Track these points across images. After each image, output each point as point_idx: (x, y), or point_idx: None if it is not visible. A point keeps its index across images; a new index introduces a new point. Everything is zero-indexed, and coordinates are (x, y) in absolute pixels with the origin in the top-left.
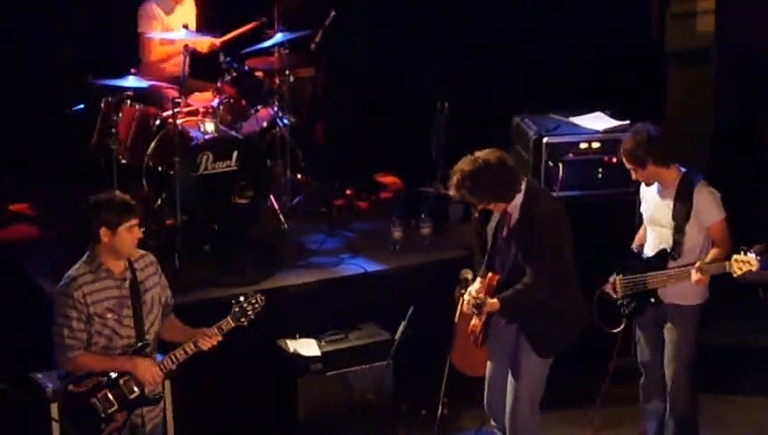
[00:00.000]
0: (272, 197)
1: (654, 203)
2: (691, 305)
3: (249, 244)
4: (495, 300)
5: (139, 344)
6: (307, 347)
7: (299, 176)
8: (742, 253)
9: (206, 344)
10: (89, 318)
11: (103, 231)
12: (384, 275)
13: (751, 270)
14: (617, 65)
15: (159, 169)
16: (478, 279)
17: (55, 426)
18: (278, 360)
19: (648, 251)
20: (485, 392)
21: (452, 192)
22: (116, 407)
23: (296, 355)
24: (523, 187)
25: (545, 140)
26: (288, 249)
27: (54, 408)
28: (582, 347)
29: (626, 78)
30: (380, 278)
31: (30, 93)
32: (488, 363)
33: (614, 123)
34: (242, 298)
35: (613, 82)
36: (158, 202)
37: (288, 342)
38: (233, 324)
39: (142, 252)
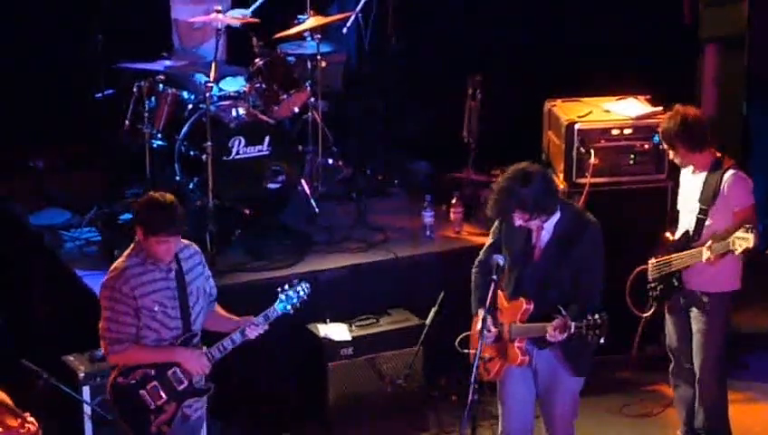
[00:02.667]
0: (303, 181)
1: (685, 186)
2: (720, 293)
3: (280, 228)
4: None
5: (186, 335)
6: (338, 332)
7: (330, 161)
8: (743, 230)
9: (253, 333)
10: (136, 311)
11: (138, 229)
12: (415, 261)
13: (749, 248)
14: (651, 51)
15: (192, 153)
16: (503, 297)
17: (87, 408)
18: (309, 344)
19: (678, 235)
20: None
21: (491, 211)
22: (165, 399)
23: (327, 340)
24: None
25: (577, 126)
26: (319, 234)
27: (86, 390)
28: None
29: (659, 64)
30: (411, 264)
31: (61, 78)
32: (507, 408)
33: (647, 109)
34: (287, 286)
35: (647, 68)
36: (191, 186)
37: (319, 326)
38: (279, 313)
39: (186, 242)
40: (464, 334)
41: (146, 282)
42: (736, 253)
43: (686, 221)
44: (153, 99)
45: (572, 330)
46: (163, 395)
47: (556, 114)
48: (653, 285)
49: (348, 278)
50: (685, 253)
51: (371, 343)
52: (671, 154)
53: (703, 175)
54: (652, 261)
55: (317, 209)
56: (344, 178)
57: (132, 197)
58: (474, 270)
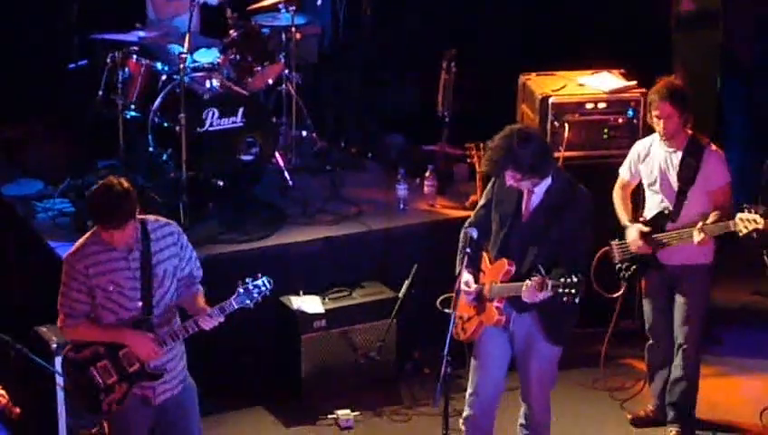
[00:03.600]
0: (277, 154)
1: (658, 164)
2: (702, 265)
3: (254, 201)
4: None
5: (142, 318)
6: (311, 304)
7: (304, 133)
8: (746, 211)
9: (206, 324)
10: (90, 290)
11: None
12: (389, 234)
13: (758, 228)
14: (625, 25)
15: (165, 124)
16: (487, 258)
17: (59, 379)
18: (282, 317)
19: (648, 214)
20: (474, 406)
21: (486, 167)
22: (115, 378)
23: (300, 312)
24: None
25: (551, 99)
26: (293, 207)
27: (58, 361)
28: (586, 311)
29: (634, 38)
30: (385, 236)
31: (34, 49)
32: (480, 367)
33: (621, 84)
34: (248, 280)
35: (620, 43)
36: (164, 158)
37: (292, 299)
38: (235, 307)
39: (163, 221)
40: (445, 295)
41: (102, 261)
42: (741, 234)
43: (658, 200)
44: (127, 70)
45: (549, 289)
46: (113, 374)
47: (530, 88)
48: (623, 265)
49: (321, 251)
50: (668, 234)
51: (345, 316)
52: (664, 123)
53: (678, 154)
54: (615, 242)
55: (291, 182)
56: (318, 150)
57: (105, 168)
58: (462, 230)
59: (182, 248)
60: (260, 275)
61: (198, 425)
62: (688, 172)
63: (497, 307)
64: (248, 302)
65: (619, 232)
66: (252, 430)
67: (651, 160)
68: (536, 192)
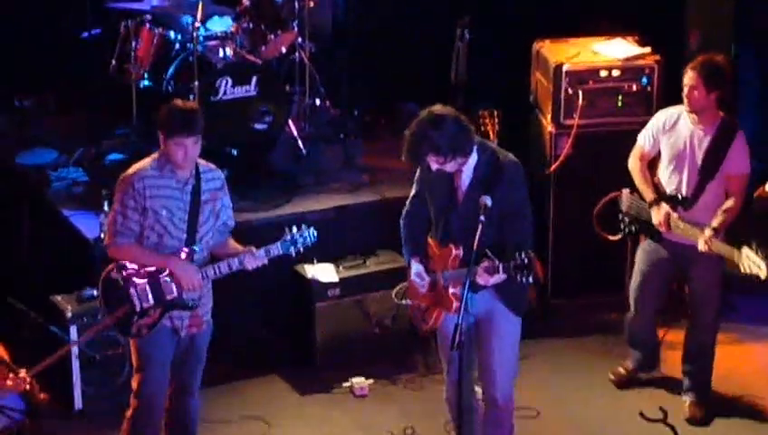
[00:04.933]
0: (290, 122)
1: (684, 140)
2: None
3: (267, 169)
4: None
5: (188, 249)
6: (325, 273)
7: (318, 102)
8: (754, 250)
9: (251, 264)
10: (144, 211)
11: (160, 134)
12: (402, 202)
13: (759, 276)
14: None
15: (179, 93)
16: (434, 245)
17: (74, 348)
18: (296, 285)
19: (665, 189)
20: (449, 389)
21: (404, 156)
22: (152, 303)
23: (314, 281)
24: (476, 145)
25: (565, 67)
26: (306, 175)
27: (74, 330)
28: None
29: (646, 6)
30: (399, 205)
31: (47, 18)
32: (446, 362)
33: (635, 51)
34: (295, 228)
35: (634, 9)
36: None
37: (306, 267)
38: (281, 252)
39: (213, 167)
40: (400, 285)
41: (160, 186)
42: (742, 270)
43: (674, 178)
44: (140, 39)
45: (501, 271)
46: (150, 299)
47: (544, 55)
48: (626, 218)
49: (335, 220)
50: (677, 223)
51: (359, 284)
52: (693, 93)
53: (708, 137)
54: (627, 192)
55: (304, 150)
56: (332, 119)
57: (119, 137)
58: (401, 222)
59: (225, 195)
60: (306, 226)
61: (204, 358)
62: (715, 158)
63: (453, 294)
64: (292, 249)
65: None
66: (266, 399)
67: (676, 133)
68: (464, 171)
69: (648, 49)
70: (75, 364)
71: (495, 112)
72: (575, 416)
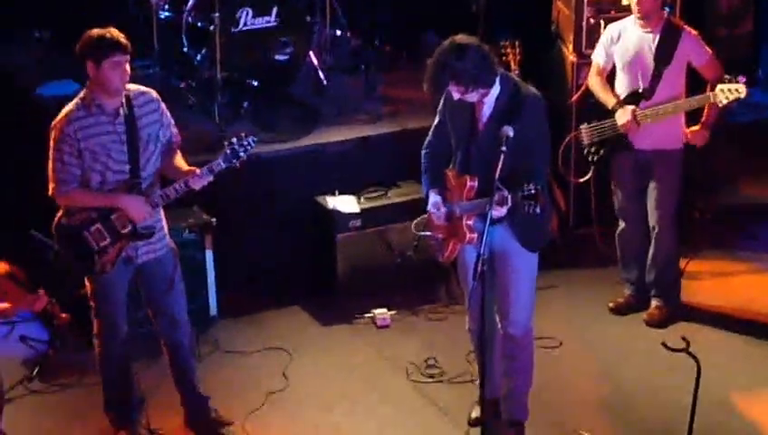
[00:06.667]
0: (311, 53)
1: (633, 45)
2: (674, 150)
3: (288, 100)
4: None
5: (133, 182)
6: (346, 204)
7: (339, 32)
8: (727, 81)
9: (196, 184)
10: (80, 153)
11: (89, 65)
12: (423, 133)
13: (739, 98)
14: None
15: (199, 24)
16: (451, 176)
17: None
18: (318, 216)
19: (622, 94)
20: (471, 319)
21: (426, 85)
22: (108, 241)
23: (336, 212)
24: (499, 77)
25: None
26: (327, 106)
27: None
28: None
29: None
30: (420, 135)
31: None
32: (465, 292)
33: None
34: (234, 139)
35: None
36: (198, 58)
37: (327, 198)
38: (223, 166)
39: (143, 89)
40: (421, 217)
41: (90, 125)
42: (721, 104)
43: (630, 80)
44: None
45: (509, 202)
46: (107, 237)
47: None
48: (591, 149)
49: (356, 150)
50: (645, 111)
51: (380, 215)
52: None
53: (654, 36)
54: (584, 126)
55: (325, 81)
56: (353, 49)
57: (140, 67)
58: (423, 151)
59: (162, 114)
60: (244, 133)
61: (180, 285)
62: (664, 53)
63: (467, 225)
64: (234, 161)
65: (596, 115)
66: (288, 329)
67: (625, 42)
68: (486, 102)
69: None
70: None
71: (517, 43)
72: (597, 346)
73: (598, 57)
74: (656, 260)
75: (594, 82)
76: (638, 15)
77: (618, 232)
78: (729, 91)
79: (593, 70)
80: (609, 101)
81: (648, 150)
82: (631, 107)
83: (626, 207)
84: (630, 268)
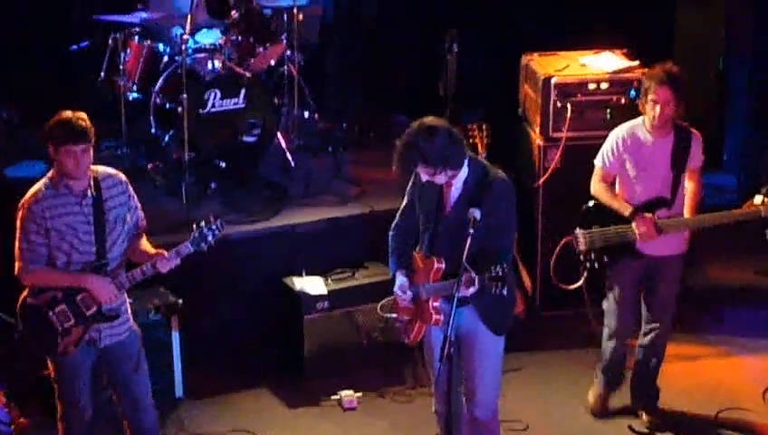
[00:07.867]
0: (279, 134)
1: (648, 151)
2: (680, 254)
3: (256, 181)
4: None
5: (99, 263)
6: (314, 285)
7: (307, 114)
8: (764, 193)
9: (164, 267)
10: (47, 232)
11: (50, 148)
12: (392, 214)
13: None
14: (627, 4)
15: (167, 105)
16: (418, 259)
17: None
18: (285, 298)
19: (637, 201)
20: (437, 401)
21: (395, 166)
22: (72, 322)
23: (303, 293)
24: (467, 159)
25: (554, 80)
26: (295, 187)
27: None
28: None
29: (636, 18)
30: (388, 217)
31: (35, 30)
32: (431, 374)
33: (623, 64)
34: (202, 223)
35: (623, 23)
36: (166, 139)
37: (295, 280)
38: (192, 249)
39: (111, 171)
40: (387, 299)
41: (57, 205)
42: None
43: (645, 187)
44: (128, 51)
45: (476, 284)
46: (71, 318)
47: (533, 68)
48: (591, 255)
49: (324, 231)
50: (667, 221)
51: (347, 297)
52: (664, 108)
53: (667, 140)
54: (581, 231)
55: (293, 162)
56: (321, 130)
57: (107, 149)
58: (390, 233)
59: (130, 198)
60: (212, 217)
61: (144, 368)
62: (680, 158)
63: (434, 307)
64: (203, 245)
65: (583, 222)
66: (255, 411)
67: (640, 148)
68: (455, 184)
69: (636, 62)
70: None
71: (484, 126)
72: (564, 429)
73: (603, 162)
74: (650, 363)
75: (600, 189)
76: (657, 124)
77: (612, 348)
78: None
79: (597, 176)
80: (625, 209)
81: (657, 256)
82: (649, 215)
83: (622, 324)
84: (607, 373)
